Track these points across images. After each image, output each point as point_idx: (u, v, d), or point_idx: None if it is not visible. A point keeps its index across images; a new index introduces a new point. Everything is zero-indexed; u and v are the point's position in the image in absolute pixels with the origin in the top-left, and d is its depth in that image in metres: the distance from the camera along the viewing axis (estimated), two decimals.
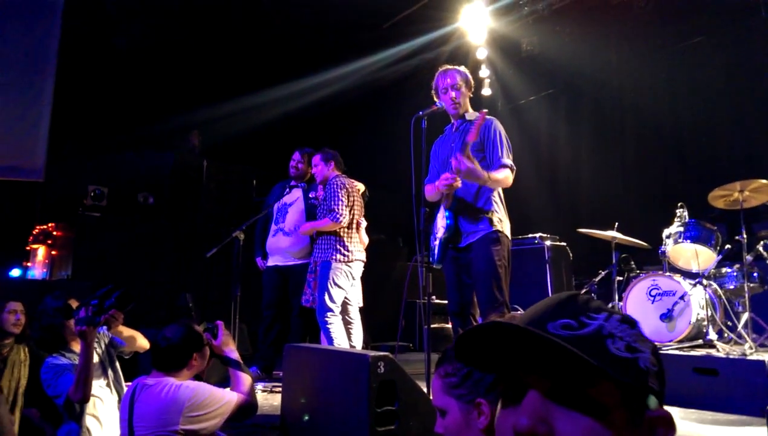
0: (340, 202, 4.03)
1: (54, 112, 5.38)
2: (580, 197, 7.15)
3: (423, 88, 8.21)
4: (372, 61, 7.50)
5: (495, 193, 3.14)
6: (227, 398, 2.25)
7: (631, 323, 0.66)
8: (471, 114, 3.28)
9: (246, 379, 2.41)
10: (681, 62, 6.58)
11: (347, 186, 4.13)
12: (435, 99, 3.28)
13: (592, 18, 6.81)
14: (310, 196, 4.60)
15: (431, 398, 1.04)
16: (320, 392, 2.54)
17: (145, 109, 6.54)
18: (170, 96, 6.72)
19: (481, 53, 7.38)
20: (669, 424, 0.61)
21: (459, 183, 3.00)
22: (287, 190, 4.68)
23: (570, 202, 7.31)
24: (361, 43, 7.37)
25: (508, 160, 3.10)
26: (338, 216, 3.99)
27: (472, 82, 3.36)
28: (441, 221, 3.14)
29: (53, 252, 5.63)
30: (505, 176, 3.05)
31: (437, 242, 3.13)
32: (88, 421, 2.67)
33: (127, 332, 2.88)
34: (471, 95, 3.35)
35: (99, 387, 2.78)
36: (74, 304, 2.70)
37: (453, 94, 3.22)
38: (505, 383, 0.66)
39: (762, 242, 4.24)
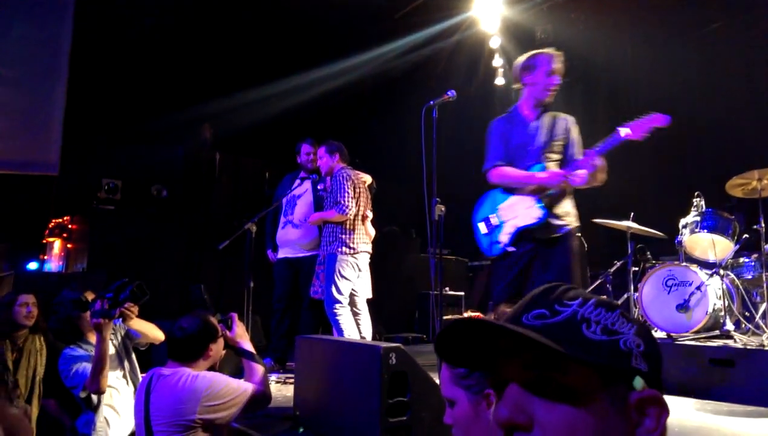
0: (347, 194, 4.04)
1: (68, 106, 5.42)
2: (595, 187, 7.06)
3: (434, 77, 8.20)
4: (383, 52, 7.45)
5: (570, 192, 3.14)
6: (243, 389, 2.27)
7: (609, 306, 0.65)
8: (553, 111, 3.22)
9: (260, 370, 2.44)
10: (698, 49, 6.46)
11: (353, 178, 4.14)
12: (522, 80, 3.17)
13: (607, 5, 6.69)
14: (318, 187, 4.60)
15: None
16: (332, 383, 2.54)
17: (157, 102, 6.57)
18: (182, 89, 6.74)
19: (495, 42, 7.29)
20: (658, 403, 0.60)
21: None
22: (297, 181, 4.69)
23: (585, 192, 7.20)
24: (372, 34, 7.32)
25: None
26: (345, 208, 4.00)
27: None
28: (528, 211, 3.03)
29: (69, 245, 5.70)
30: (603, 166, 3.08)
31: (512, 231, 3.02)
32: (106, 411, 2.72)
33: (141, 324, 2.91)
34: None
35: (115, 378, 2.83)
36: (90, 296, 2.74)
37: (557, 81, 3.15)
38: (491, 379, 0.67)
39: None
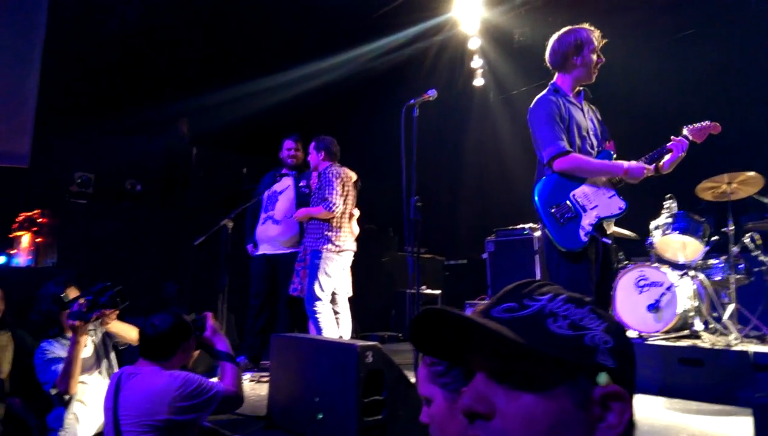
0: (335, 192, 4.02)
1: (40, 97, 5.29)
2: None
3: (416, 77, 8.20)
4: (365, 51, 7.45)
5: None
6: (214, 389, 2.23)
7: (579, 303, 0.66)
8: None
9: (234, 371, 2.39)
10: (671, 54, 6.60)
11: (342, 175, 4.12)
12: (572, 60, 3.00)
13: (583, 9, 6.78)
14: (300, 184, 4.57)
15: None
16: (307, 382, 2.53)
17: (134, 96, 6.45)
18: (160, 82, 6.63)
19: (474, 43, 7.34)
20: (622, 399, 0.61)
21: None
22: (278, 178, 4.65)
23: None
24: (353, 33, 7.31)
25: None
26: (332, 205, 3.98)
27: None
28: (610, 200, 2.82)
29: (38, 239, 5.55)
30: None
31: (593, 221, 2.73)
32: (77, 407, 2.69)
33: (118, 326, 2.87)
34: None
35: (91, 375, 2.81)
36: (73, 292, 2.73)
37: (598, 60, 3.03)
38: (465, 371, 0.69)
39: (748, 234, 4.28)
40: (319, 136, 4.30)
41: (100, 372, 2.86)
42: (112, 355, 2.98)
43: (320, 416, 2.40)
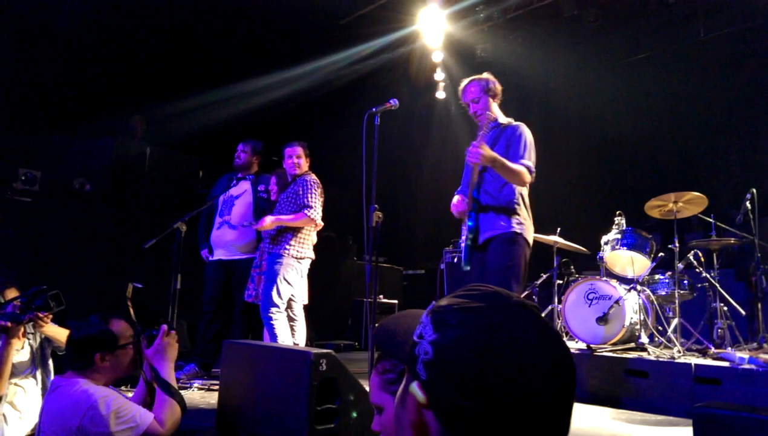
0: (316, 200, 4.01)
1: None
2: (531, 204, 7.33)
3: (381, 87, 8.24)
4: (330, 61, 7.46)
5: (517, 195, 3.17)
6: (138, 421, 1.94)
7: (430, 311, 0.69)
8: (503, 119, 3.32)
9: (170, 407, 2.04)
10: (625, 77, 6.87)
11: (320, 186, 4.12)
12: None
13: (543, 29, 7.01)
14: (259, 188, 4.50)
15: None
16: (259, 389, 2.48)
17: (86, 91, 6.22)
18: (115, 79, 6.43)
19: (437, 56, 7.46)
20: (411, 407, 0.65)
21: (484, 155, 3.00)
22: (234, 182, 4.57)
23: None
24: (318, 42, 7.31)
25: (527, 161, 3.13)
26: (314, 213, 3.97)
27: (498, 88, 3.35)
28: (465, 226, 3.19)
29: None
30: (520, 170, 3.06)
31: (463, 245, 3.18)
32: (6, 409, 2.62)
33: (55, 331, 2.75)
34: (498, 100, 3.36)
35: (26, 379, 2.74)
36: (12, 294, 2.64)
37: (472, 109, 3.29)
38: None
39: (692, 252, 4.47)
40: (304, 143, 4.24)
41: (35, 377, 2.80)
42: (49, 360, 2.88)
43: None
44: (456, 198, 3.30)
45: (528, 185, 3.22)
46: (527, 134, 3.23)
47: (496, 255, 3.05)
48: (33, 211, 5.15)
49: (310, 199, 3.98)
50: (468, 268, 3.15)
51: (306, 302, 4.17)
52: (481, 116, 3.25)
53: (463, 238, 3.20)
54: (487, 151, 2.93)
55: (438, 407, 0.62)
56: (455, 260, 3.24)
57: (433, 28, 7.12)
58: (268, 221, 3.94)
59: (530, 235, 3.18)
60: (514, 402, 0.58)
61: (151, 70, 6.67)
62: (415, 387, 0.64)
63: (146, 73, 6.63)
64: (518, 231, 3.09)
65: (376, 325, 0.77)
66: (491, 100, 3.31)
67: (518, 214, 3.12)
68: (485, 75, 3.37)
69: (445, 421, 0.61)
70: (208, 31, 6.94)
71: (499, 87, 3.35)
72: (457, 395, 0.60)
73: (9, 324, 2.41)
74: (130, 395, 2.23)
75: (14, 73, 5.79)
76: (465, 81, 3.36)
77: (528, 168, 3.11)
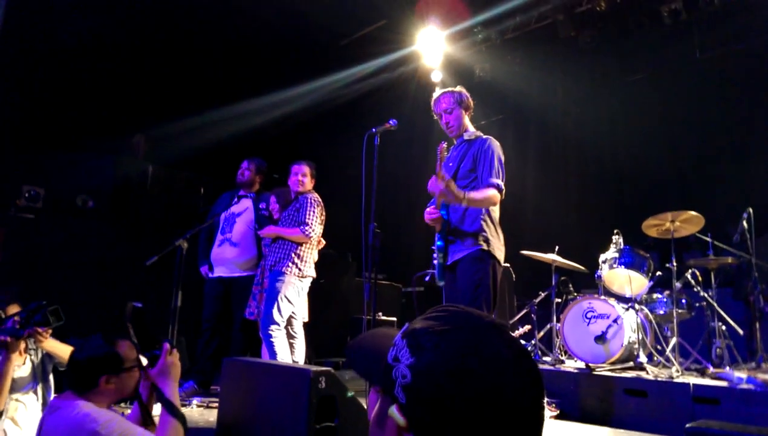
0: (314, 219, 4.04)
1: None
2: (524, 220, 7.37)
3: (381, 106, 8.34)
4: (331, 81, 7.55)
5: (484, 214, 3.13)
6: None
7: (404, 334, 0.71)
8: (470, 133, 3.31)
9: (174, 428, 2.01)
10: (621, 97, 6.95)
11: (321, 204, 4.16)
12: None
13: (541, 50, 7.11)
14: (260, 206, 4.54)
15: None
16: (258, 407, 2.49)
17: (90, 110, 6.30)
18: (118, 98, 6.51)
19: (436, 76, 7.55)
20: (392, 430, 0.67)
21: (438, 217, 3.10)
22: (235, 199, 4.61)
23: (514, 224, 7.49)
24: (318, 63, 7.42)
25: (495, 179, 3.09)
26: (310, 230, 3.99)
27: (470, 101, 3.34)
28: (435, 245, 3.18)
29: None
30: (486, 196, 3.03)
31: (435, 263, 3.20)
32: (6, 424, 2.63)
33: (55, 347, 2.77)
34: (470, 114, 3.36)
35: (27, 395, 2.75)
36: (14, 309, 2.66)
37: (445, 119, 3.29)
38: None
39: (690, 271, 4.49)
40: (312, 163, 4.29)
41: (35, 392, 2.81)
42: (50, 376, 2.89)
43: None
44: (429, 208, 3.26)
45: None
46: (497, 150, 3.19)
47: (465, 275, 3.05)
48: (36, 228, 5.19)
49: (307, 216, 4.02)
50: (442, 283, 3.18)
51: (306, 319, 4.19)
52: (453, 127, 3.29)
53: (435, 256, 3.20)
54: (453, 189, 2.91)
55: (418, 431, 0.63)
56: (427, 278, 3.24)
57: (432, 49, 7.23)
58: (272, 230, 4.10)
59: (499, 251, 3.13)
60: (490, 423, 0.61)
61: (153, 89, 6.75)
62: (394, 411, 0.66)
63: (149, 92, 6.71)
64: (485, 248, 3.05)
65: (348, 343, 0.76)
66: (464, 112, 3.31)
67: (485, 232, 3.09)
68: (458, 88, 3.37)
69: None
70: (210, 51, 7.03)
71: (471, 101, 3.34)
72: (435, 418, 0.62)
73: (8, 339, 2.43)
74: (128, 412, 2.23)
75: (18, 92, 5.87)
76: (437, 92, 3.36)
77: (497, 187, 3.09)
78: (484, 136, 3.26)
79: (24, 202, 5.22)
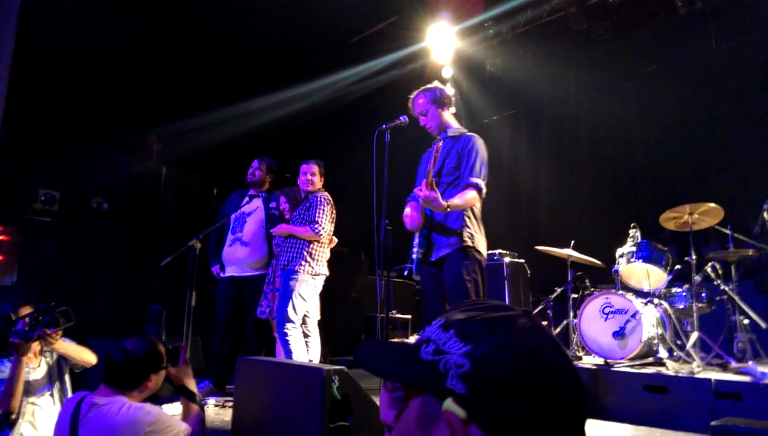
0: (324, 217, 4.03)
1: (6, 112, 5.16)
2: (538, 215, 7.30)
3: (391, 103, 8.32)
4: (341, 78, 7.55)
5: (467, 210, 3.14)
6: (181, 429, 2.12)
7: (446, 326, 0.68)
8: (453, 130, 3.29)
9: (197, 413, 2.28)
10: (636, 89, 6.84)
11: (331, 203, 4.15)
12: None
13: (553, 43, 7.03)
14: (270, 206, 4.54)
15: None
16: (273, 407, 2.48)
17: (104, 113, 6.36)
18: (132, 100, 6.56)
19: (447, 72, 7.50)
20: (452, 426, 0.62)
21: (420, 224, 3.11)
22: (246, 199, 4.61)
23: (529, 219, 7.45)
24: (329, 60, 7.41)
25: (476, 178, 3.08)
26: (320, 229, 3.99)
27: (447, 96, 3.31)
28: (415, 240, 3.18)
29: None
30: (465, 200, 3.03)
31: (414, 258, 3.18)
32: (25, 428, 2.64)
33: (67, 348, 2.78)
34: (451, 110, 3.34)
35: (42, 397, 2.76)
36: (26, 311, 2.67)
37: (422, 122, 3.29)
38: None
39: (710, 264, 4.39)
40: (320, 162, 4.29)
41: (51, 395, 2.81)
42: (66, 377, 2.90)
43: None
44: (408, 209, 3.24)
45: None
46: (481, 148, 3.17)
47: (453, 272, 3.05)
48: (53, 231, 5.25)
49: (317, 215, 4.02)
50: (419, 277, 3.19)
51: (318, 317, 4.18)
52: (431, 128, 3.28)
53: (415, 250, 3.18)
54: (439, 200, 2.88)
55: (484, 419, 0.61)
56: (405, 272, 3.24)
57: (442, 45, 7.18)
58: (283, 228, 4.11)
59: (482, 246, 3.16)
60: (557, 399, 0.62)
61: (165, 90, 6.80)
62: (452, 404, 0.63)
63: (162, 94, 6.76)
64: (470, 244, 3.07)
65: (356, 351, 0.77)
66: (440, 110, 3.29)
67: (468, 227, 3.10)
68: (433, 84, 3.34)
69: (494, 431, 0.61)
70: (221, 51, 7.06)
71: (448, 94, 3.31)
72: (506, 401, 0.61)
73: (19, 341, 2.45)
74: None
75: (33, 96, 5.94)
76: (413, 93, 3.34)
77: (476, 187, 3.07)
78: (469, 134, 3.25)
79: (40, 206, 5.28)
